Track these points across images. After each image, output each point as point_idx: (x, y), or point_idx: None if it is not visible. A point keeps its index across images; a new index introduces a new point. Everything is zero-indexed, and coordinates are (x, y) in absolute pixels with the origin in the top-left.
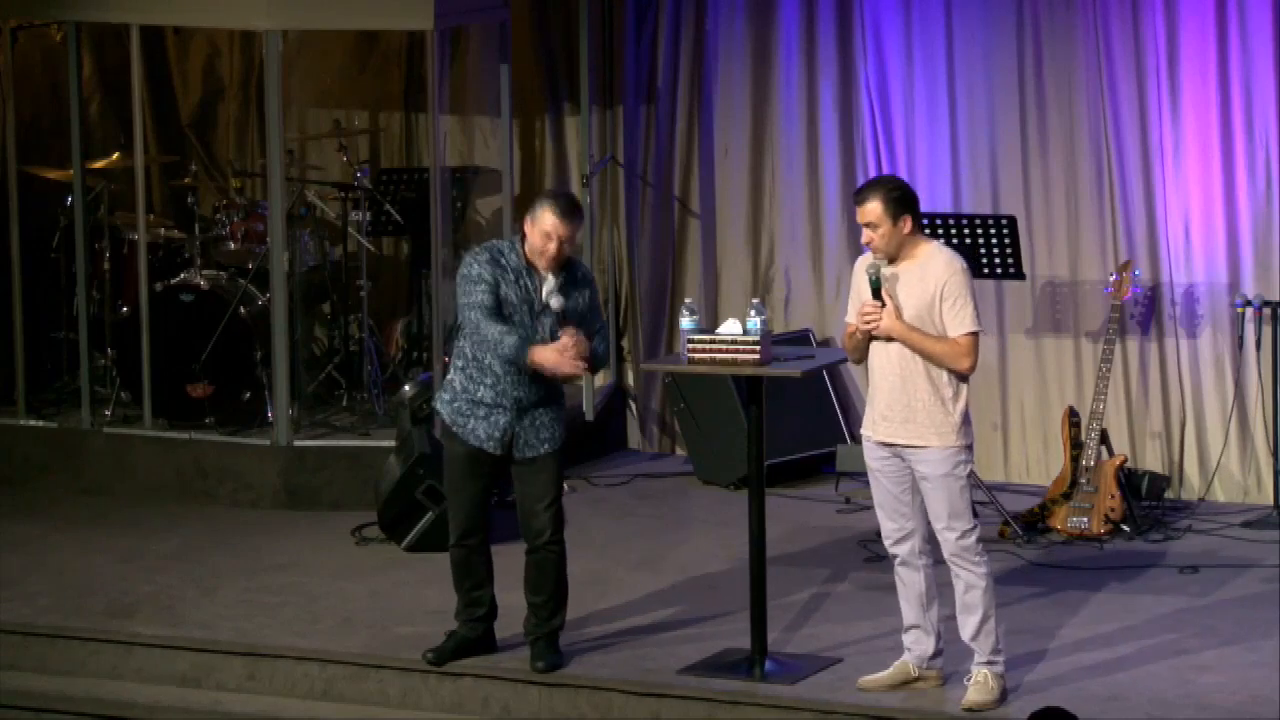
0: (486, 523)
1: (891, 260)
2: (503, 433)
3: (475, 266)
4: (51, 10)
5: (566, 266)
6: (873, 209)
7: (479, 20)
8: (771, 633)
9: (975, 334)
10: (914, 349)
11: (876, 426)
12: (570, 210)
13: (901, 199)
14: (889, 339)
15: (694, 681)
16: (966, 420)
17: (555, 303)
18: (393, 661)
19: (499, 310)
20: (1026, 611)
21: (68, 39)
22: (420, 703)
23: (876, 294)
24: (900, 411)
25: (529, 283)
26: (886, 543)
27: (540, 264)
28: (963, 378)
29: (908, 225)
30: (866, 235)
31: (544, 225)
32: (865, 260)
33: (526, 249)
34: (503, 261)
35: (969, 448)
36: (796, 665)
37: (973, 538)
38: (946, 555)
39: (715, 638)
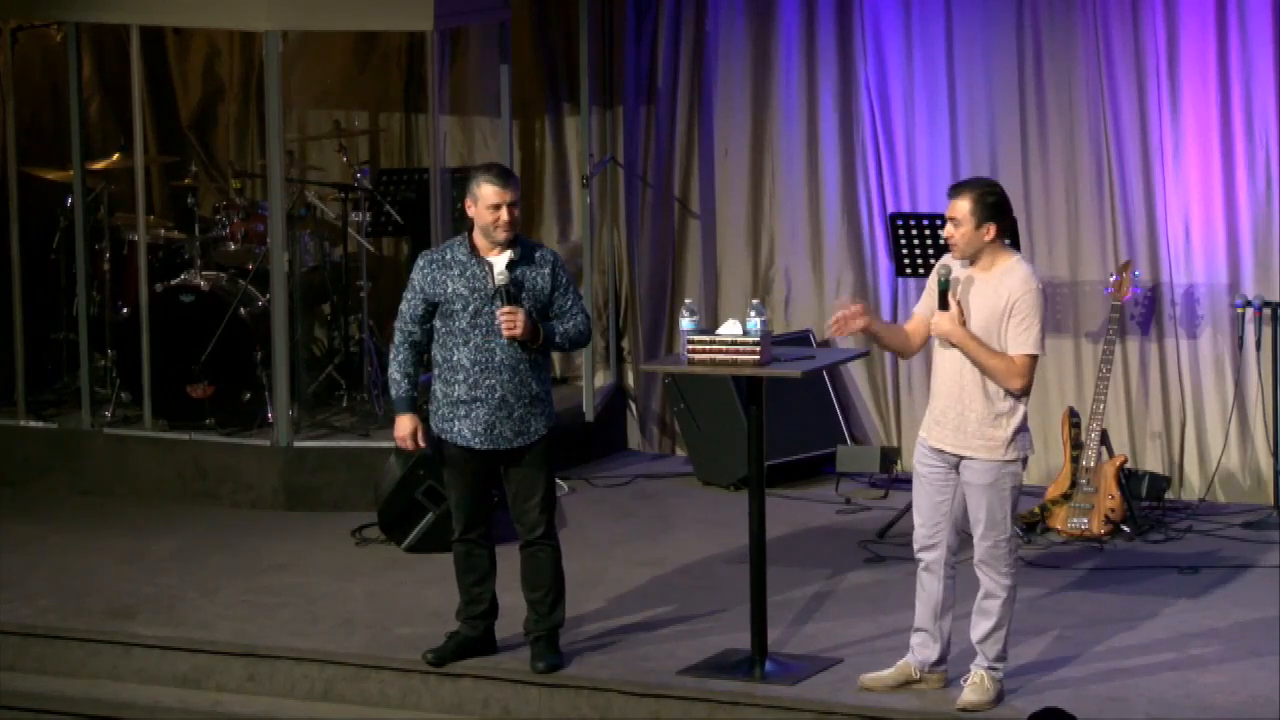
0: (487, 518)
1: (971, 264)
2: (485, 427)
3: (414, 273)
4: (51, 10)
5: (521, 248)
6: (961, 207)
7: (479, 20)
8: (771, 633)
9: (1034, 356)
10: (970, 357)
11: (931, 431)
12: (505, 174)
13: (993, 205)
14: (951, 344)
15: (694, 682)
16: (1020, 435)
17: (500, 277)
18: (393, 662)
19: (430, 316)
20: (1027, 612)
21: (68, 39)
22: (420, 703)
23: (944, 296)
24: (953, 419)
25: (477, 271)
26: (915, 545)
27: (497, 236)
28: (1020, 395)
29: (990, 233)
30: (948, 230)
31: (488, 198)
32: (945, 260)
33: (477, 236)
34: (448, 258)
35: (1019, 461)
36: (796, 666)
37: (1005, 548)
38: (976, 559)
39: (715, 638)
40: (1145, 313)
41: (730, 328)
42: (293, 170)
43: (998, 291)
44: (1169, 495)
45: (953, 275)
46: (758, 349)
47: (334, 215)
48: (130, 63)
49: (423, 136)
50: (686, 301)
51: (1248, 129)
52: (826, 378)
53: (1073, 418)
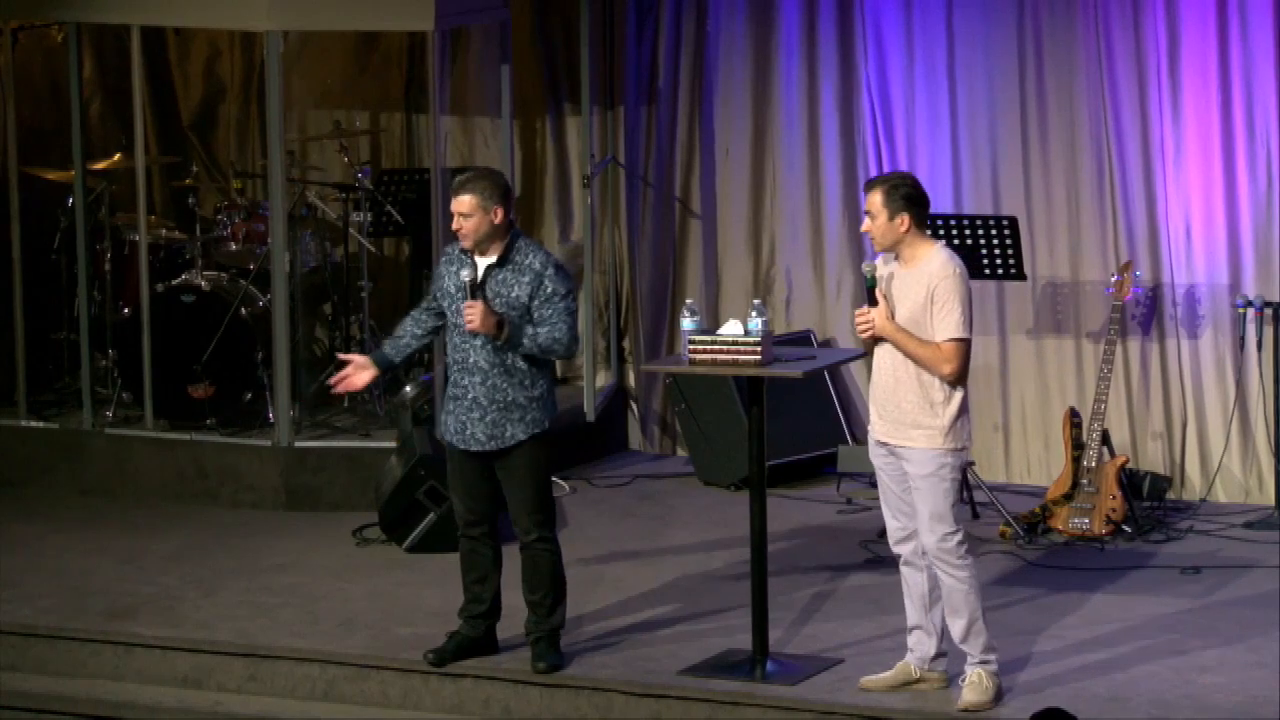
0: (489, 516)
1: (897, 258)
2: (459, 425)
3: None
4: (52, 10)
5: (510, 253)
6: (874, 199)
7: (479, 20)
8: (772, 633)
9: (960, 340)
10: (900, 350)
11: (874, 424)
12: (460, 184)
13: (905, 197)
14: (882, 338)
15: (695, 682)
16: (959, 424)
17: (465, 274)
18: (393, 662)
19: (431, 306)
20: (1027, 612)
21: (68, 39)
22: (421, 704)
23: (871, 293)
24: (891, 411)
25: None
26: (890, 542)
27: (462, 245)
28: (954, 382)
29: (904, 224)
30: (865, 224)
31: (451, 209)
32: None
33: None
34: (453, 254)
35: (958, 451)
36: (797, 666)
37: (954, 540)
38: (930, 557)
39: (716, 638)
40: (1146, 313)
41: (731, 328)
42: (294, 170)
43: (919, 281)
44: (1170, 495)
45: (879, 272)
46: (759, 349)
47: (335, 215)
48: (131, 63)
49: (423, 136)
50: (687, 301)
51: (1248, 129)
52: (827, 378)
53: (1074, 418)
